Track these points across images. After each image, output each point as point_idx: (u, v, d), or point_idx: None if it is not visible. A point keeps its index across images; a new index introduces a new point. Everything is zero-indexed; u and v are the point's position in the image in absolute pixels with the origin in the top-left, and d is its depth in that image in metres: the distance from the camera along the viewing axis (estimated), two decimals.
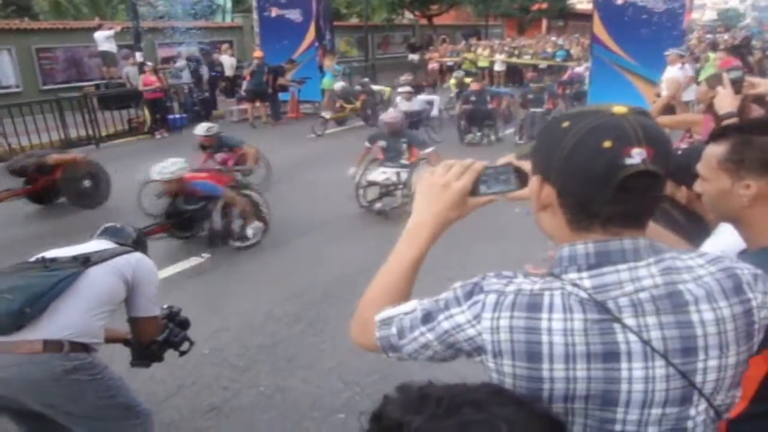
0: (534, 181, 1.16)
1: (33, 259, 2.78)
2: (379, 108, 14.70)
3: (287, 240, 7.17)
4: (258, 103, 15.03)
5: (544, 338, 1.04)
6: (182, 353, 3.31)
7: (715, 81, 4.00)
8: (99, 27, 17.66)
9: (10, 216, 8.04)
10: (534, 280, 1.11)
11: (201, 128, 8.39)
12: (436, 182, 1.31)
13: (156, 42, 19.33)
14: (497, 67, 23.58)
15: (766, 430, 1.57)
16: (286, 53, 16.53)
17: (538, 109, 12.46)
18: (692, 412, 1.07)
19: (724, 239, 1.84)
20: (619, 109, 1.08)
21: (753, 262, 1.21)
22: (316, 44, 17.20)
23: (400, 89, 13.00)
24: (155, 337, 3.15)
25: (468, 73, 20.04)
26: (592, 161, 1.04)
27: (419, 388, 0.94)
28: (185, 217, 6.81)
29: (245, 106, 15.43)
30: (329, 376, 4.32)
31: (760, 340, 1.15)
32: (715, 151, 1.67)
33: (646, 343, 1.04)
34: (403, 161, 8.10)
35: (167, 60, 18.57)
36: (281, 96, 15.67)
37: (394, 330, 1.22)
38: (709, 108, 3.87)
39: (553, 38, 27.27)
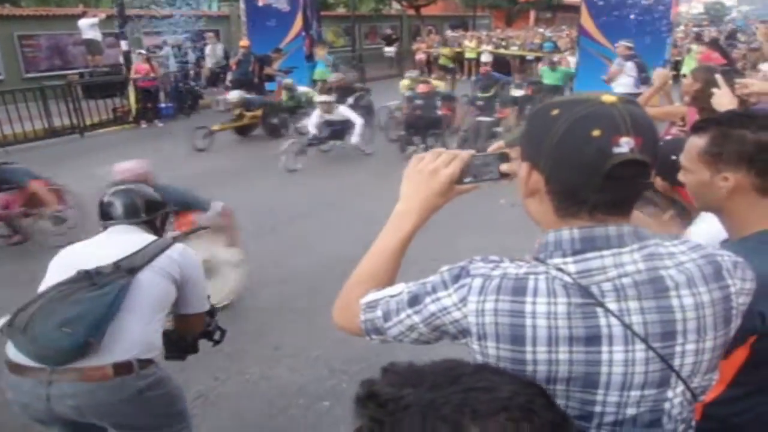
0: (523, 168, 1.18)
1: (74, 273, 2.44)
2: (295, 117, 12.71)
3: (274, 227, 7.18)
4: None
5: (528, 321, 1.06)
6: (216, 342, 3.10)
7: (701, 74, 4.05)
8: (83, 14, 17.46)
9: None
10: (520, 265, 1.13)
11: None
12: (424, 168, 1.33)
13: (142, 29, 19.16)
14: (484, 58, 23.46)
15: (743, 413, 1.62)
16: (272, 42, 16.44)
17: (487, 119, 10.62)
18: (670, 394, 1.10)
19: (707, 228, 1.87)
20: (608, 98, 1.10)
21: (735, 250, 1.24)
22: (303, 34, 17.13)
23: (318, 98, 11.04)
24: (200, 331, 2.97)
25: (446, 69, 19.50)
26: (582, 149, 1.06)
27: (409, 365, 0.95)
28: None
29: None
30: (316, 363, 4.34)
31: (741, 327, 1.18)
32: (696, 143, 1.70)
33: (627, 327, 1.06)
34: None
35: (153, 48, 18.42)
36: (268, 85, 15.60)
37: (379, 313, 1.24)
38: (693, 100, 3.91)
39: (541, 30, 27.28)
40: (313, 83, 15.53)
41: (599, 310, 1.06)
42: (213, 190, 5.57)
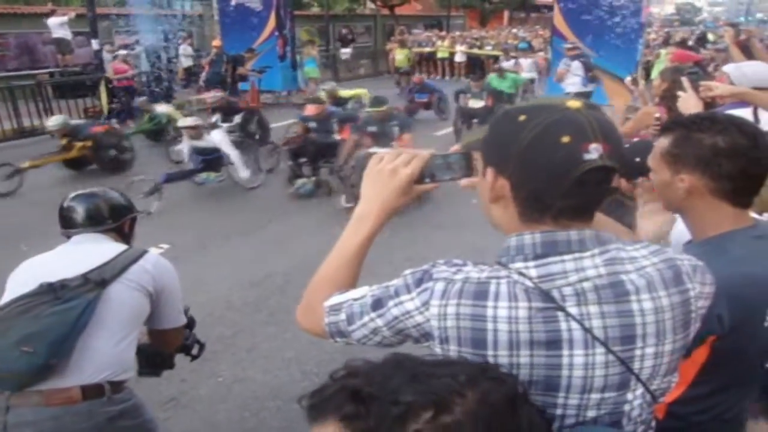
0: (488, 174, 1.17)
1: (37, 286, 2.20)
2: (163, 143, 10.60)
3: (250, 230, 7.15)
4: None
5: (489, 326, 1.07)
6: (194, 357, 2.89)
7: (668, 74, 4.11)
8: (52, 13, 17.24)
9: None
10: (482, 269, 1.13)
11: None
12: (384, 168, 1.33)
13: (113, 29, 18.93)
14: (458, 58, 23.60)
15: (705, 411, 1.65)
16: (246, 42, 16.34)
17: (381, 150, 6.74)
18: (630, 396, 1.11)
19: (676, 228, 1.91)
20: (573, 103, 1.10)
21: (695, 253, 1.26)
22: (277, 33, 17.04)
23: (181, 123, 8.55)
24: (177, 345, 2.74)
25: (402, 72, 18.46)
26: (551, 156, 1.06)
27: (365, 362, 0.93)
28: None
29: (204, 95, 15.20)
30: (289, 365, 4.33)
31: (699, 330, 1.20)
32: (661, 143, 1.73)
33: (587, 331, 1.07)
34: None
35: (124, 48, 18.21)
36: (241, 86, 15.50)
37: (343, 316, 1.23)
38: (662, 99, 3.98)
39: (514, 30, 27.46)
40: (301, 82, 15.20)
41: (560, 314, 1.07)
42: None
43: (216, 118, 9.97)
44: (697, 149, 1.62)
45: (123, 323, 2.28)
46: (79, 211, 2.52)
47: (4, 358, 2.07)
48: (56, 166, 9.37)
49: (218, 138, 8.37)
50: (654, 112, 3.77)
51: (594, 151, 1.05)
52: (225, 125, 9.66)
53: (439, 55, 23.79)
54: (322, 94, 11.29)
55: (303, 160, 8.66)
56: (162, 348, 2.66)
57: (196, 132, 8.32)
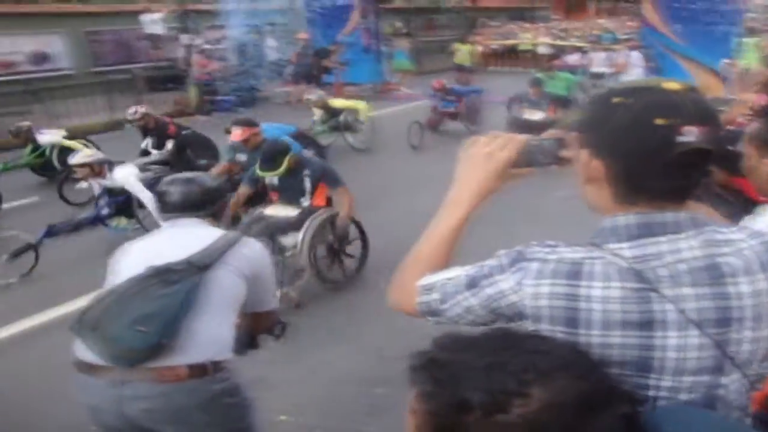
0: (582, 155, 1.18)
1: (144, 269, 2.29)
2: (57, 179, 8.10)
3: None
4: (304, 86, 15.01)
5: (583, 305, 1.08)
6: (277, 337, 2.95)
7: None
8: (146, 10, 17.95)
9: None
10: (576, 249, 1.14)
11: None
12: (480, 152, 1.34)
13: (203, 24, 19.52)
14: (541, 50, 23.14)
15: None
16: (331, 35, 16.55)
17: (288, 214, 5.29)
18: (724, 380, 1.09)
19: (764, 219, 1.85)
20: (671, 85, 1.09)
21: None
22: (361, 26, 17.20)
23: (72, 161, 6.39)
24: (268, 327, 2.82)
25: (461, 68, 15.92)
26: (646, 138, 1.06)
27: (460, 335, 0.98)
28: None
29: (290, 88, 15.48)
30: (371, 351, 4.42)
31: None
32: (752, 128, 1.71)
33: (681, 312, 1.06)
34: None
35: (213, 42, 18.76)
36: (325, 78, 15.69)
37: (436, 295, 1.26)
38: (764, 87, 3.85)
39: (600, 21, 26.74)
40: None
41: (654, 295, 1.07)
42: None
43: (146, 143, 8.41)
44: None
45: (223, 306, 2.38)
46: (178, 197, 2.60)
47: (122, 336, 2.18)
48: None
49: (122, 177, 6.32)
50: (751, 99, 3.64)
51: (689, 134, 1.04)
52: (155, 153, 8.04)
53: (521, 47, 23.36)
54: (314, 98, 9.92)
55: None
56: (254, 330, 2.76)
57: (96, 171, 6.34)
